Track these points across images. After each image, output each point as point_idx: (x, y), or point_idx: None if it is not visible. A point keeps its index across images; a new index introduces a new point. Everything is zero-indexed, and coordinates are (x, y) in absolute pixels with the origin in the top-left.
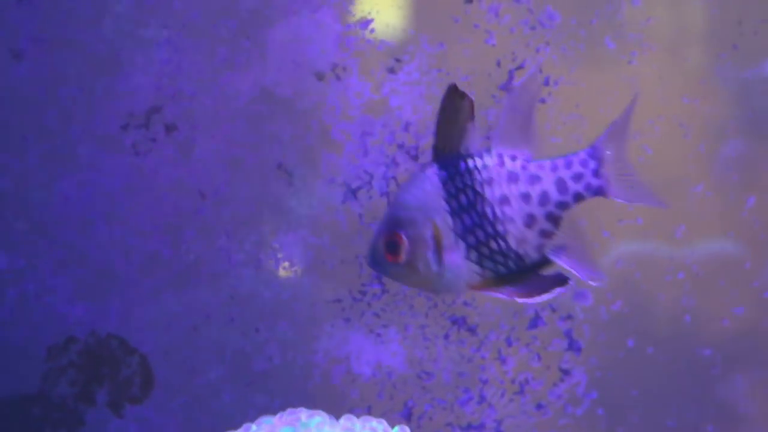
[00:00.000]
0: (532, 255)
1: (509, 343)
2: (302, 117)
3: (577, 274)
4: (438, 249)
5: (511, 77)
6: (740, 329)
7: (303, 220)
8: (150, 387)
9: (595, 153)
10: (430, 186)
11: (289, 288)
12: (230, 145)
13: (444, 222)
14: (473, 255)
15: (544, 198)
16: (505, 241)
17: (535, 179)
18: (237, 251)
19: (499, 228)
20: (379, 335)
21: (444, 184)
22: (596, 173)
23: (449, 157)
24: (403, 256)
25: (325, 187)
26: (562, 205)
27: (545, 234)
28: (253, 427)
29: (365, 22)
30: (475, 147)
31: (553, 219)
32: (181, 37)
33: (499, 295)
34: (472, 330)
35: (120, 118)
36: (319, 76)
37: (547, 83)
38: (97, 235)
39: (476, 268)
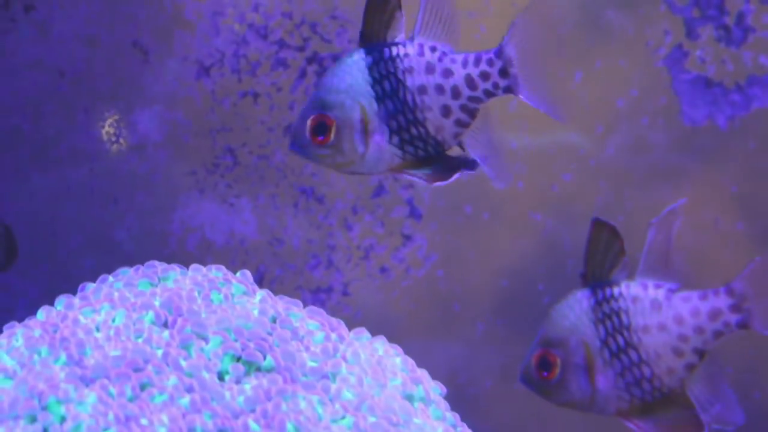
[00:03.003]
0: (450, 142)
1: (354, 211)
2: None
3: (485, 171)
4: (365, 131)
5: None
6: (567, 194)
7: (158, 96)
8: (14, 255)
9: (500, 52)
10: (357, 71)
11: (145, 161)
12: (87, 24)
13: (370, 106)
14: (395, 139)
15: (455, 92)
16: (425, 128)
17: (448, 73)
18: (95, 126)
19: (419, 115)
20: (231, 205)
21: (370, 69)
22: (503, 72)
23: (375, 44)
24: (331, 137)
25: (179, 64)
26: (475, 100)
27: (461, 124)
28: (110, 278)
29: None
30: (401, 36)
31: (468, 111)
32: None
33: (415, 179)
34: (319, 199)
35: None
36: None
37: None
38: None
39: (398, 152)
